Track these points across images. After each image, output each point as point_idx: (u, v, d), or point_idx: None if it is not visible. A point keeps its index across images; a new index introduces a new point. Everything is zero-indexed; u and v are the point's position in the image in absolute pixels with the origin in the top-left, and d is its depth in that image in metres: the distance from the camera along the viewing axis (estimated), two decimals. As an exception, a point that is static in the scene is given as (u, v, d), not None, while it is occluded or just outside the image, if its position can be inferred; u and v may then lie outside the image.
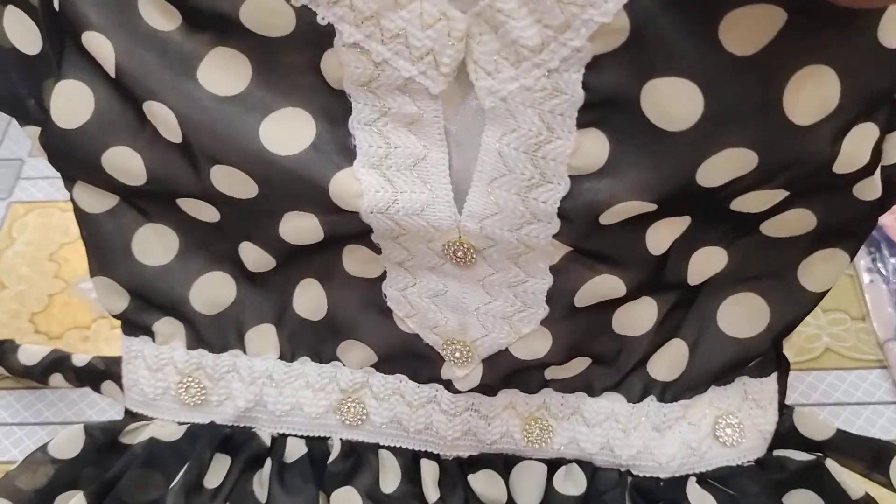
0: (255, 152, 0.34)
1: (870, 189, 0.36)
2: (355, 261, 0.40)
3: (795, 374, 0.51)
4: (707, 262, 0.39)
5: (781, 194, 0.35)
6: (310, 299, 0.42)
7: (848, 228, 0.38)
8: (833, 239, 0.38)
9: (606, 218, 0.34)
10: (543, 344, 0.40)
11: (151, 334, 0.44)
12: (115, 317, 0.44)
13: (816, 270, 0.39)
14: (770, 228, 0.38)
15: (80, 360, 0.49)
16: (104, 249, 0.42)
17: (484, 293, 0.39)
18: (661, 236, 0.36)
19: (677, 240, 0.37)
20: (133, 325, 0.44)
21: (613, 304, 0.39)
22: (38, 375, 0.50)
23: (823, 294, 0.40)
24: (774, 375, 0.44)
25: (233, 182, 0.36)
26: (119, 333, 0.46)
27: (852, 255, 0.39)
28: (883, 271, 0.54)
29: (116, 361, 0.46)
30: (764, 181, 0.33)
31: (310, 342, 0.44)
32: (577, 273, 0.37)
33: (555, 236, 0.34)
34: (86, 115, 0.37)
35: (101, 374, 0.47)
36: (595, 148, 0.32)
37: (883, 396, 0.50)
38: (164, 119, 0.35)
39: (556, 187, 0.33)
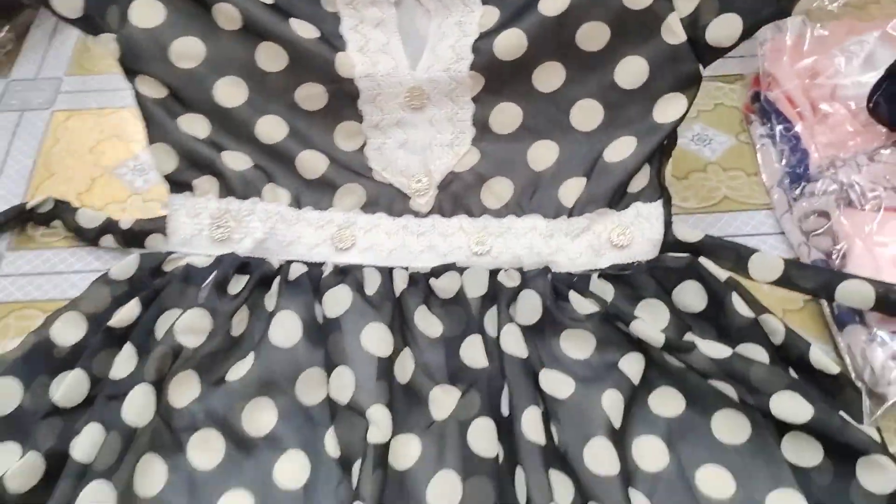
0: (289, 36, 0.56)
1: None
2: (344, 135, 0.60)
3: (699, 216, 0.64)
4: (589, 112, 0.58)
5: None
6: (310, 164, 0.59)
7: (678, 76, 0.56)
8: (669, 86, 0.57)
9: (500, 53, 0.56)
10: (475, 159, 0.59)
11: (192, 189, 0.59)
12: (166, 177, 0.59)
13: (667, 109, 0.57)
14: (623, 81, 0.57)
15: (126, 222, 0.61)
16: (159, 125, 0.58)
17: (433, 130, 0.59)
18: (544, 78, 0.57)
19: (559, 89, 0.58)
20: (178, 183, 0.60)
21: (524, 140, 0.59)
22: (91, 236, 0.63)
23: (674, 124, 0.57)
24: (660, 201, 0.58)
25: (269, 56, 0.57)
26: (149, 206, 0.66)
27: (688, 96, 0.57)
28: (771, 135, 0.66)
29: (156, 220, 0.60)
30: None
31: (311, 197, 0.60)
32: (489, 101, 0.58)
33: (471, 68, 0.56)
34: (160, 18, 0.56)
35: (145, 232, 0.60)
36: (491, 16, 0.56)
37: (767, 230, 0.63)
38: (227, 12, 0.56)
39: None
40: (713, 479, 0.49)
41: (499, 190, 0.59)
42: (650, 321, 0.53)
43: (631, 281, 0.55)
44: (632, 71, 0.57)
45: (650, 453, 0.50)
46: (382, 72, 0.57)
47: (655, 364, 0.53)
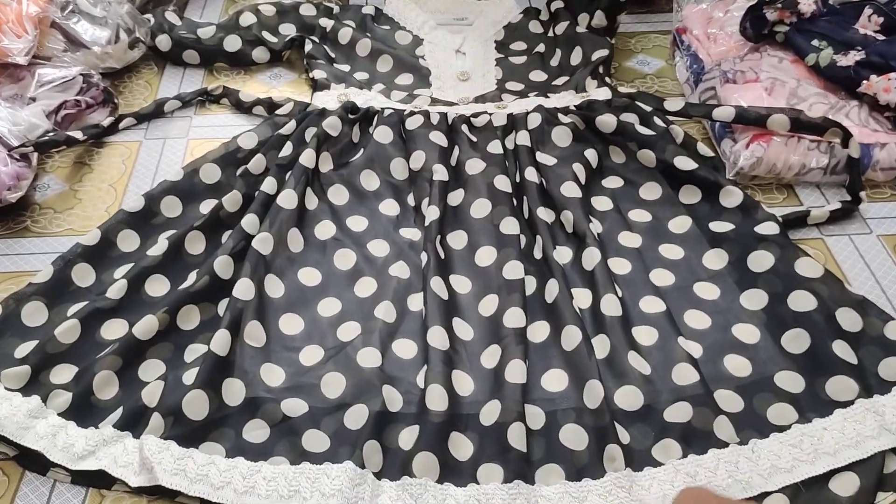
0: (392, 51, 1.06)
1: None
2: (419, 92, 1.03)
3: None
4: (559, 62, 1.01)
5: None
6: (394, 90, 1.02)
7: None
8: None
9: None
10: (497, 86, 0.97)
11: (329, 88, 1.00)
12: (314, 79, 1.02)
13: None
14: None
15: (277, 98, 0.97)
16: (318, 63, 1.03)
17: (472, 88, 0.97)
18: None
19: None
20: (322, 85, 1.02)
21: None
22: (247, 106, 0.99)
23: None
24: (606, 87, 0.97)
25: (383, 62, 1.06)
26: (282, 93, 1.00)
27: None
28: (682, 55, 1.03)
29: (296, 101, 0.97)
30: None
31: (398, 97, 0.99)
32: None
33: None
34: None
35: (284, 102, 0.96)
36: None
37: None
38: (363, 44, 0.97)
39: None
40: (638, 214, 0.84)
41: (511, 95, 0.99)
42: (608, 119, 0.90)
43: (594, 109, 0.92)
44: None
45: (601, 203, 0.85)
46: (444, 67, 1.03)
47: (606, 163, 0.88)
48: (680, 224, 0.82)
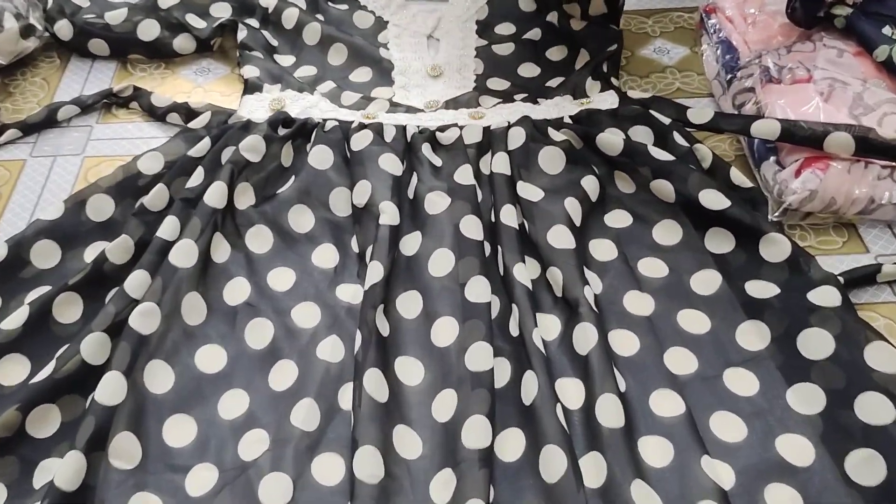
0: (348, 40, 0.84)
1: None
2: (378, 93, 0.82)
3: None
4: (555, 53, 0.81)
5: None
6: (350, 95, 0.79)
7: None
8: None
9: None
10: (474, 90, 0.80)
11: (261, 90, 0.78)
12: (246, 80, 0.79)
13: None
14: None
15: (194, 104, 0.77)
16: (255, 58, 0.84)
17: (446, 86, 0.81)
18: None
19: (540, 40, 0.84)
20: (254, 87, 0.78)
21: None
22: (161, 113, 0.78)
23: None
24: (612, 90, 0.75)
25: (335, 52, 0.84)
26: (210, 96, 0.81)
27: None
28: (711, 45, 0.81)
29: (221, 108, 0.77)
30: None
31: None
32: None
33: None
34: None
35: (203, 109, 0.76)
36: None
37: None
38: (313, 30, 0.78)
39: None
40: (650, 267, 0.63)
41: (492, 98, 0.77)
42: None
43: (594, 122, 0.71)
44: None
45: (602, 249, 0.64)
46: (411, 59, 0.83)
47: (610, 191, 0.68)
48: (706, 282, 0.62)
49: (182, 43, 0.85)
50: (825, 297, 0.58)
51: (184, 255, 0.61)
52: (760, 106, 0.71)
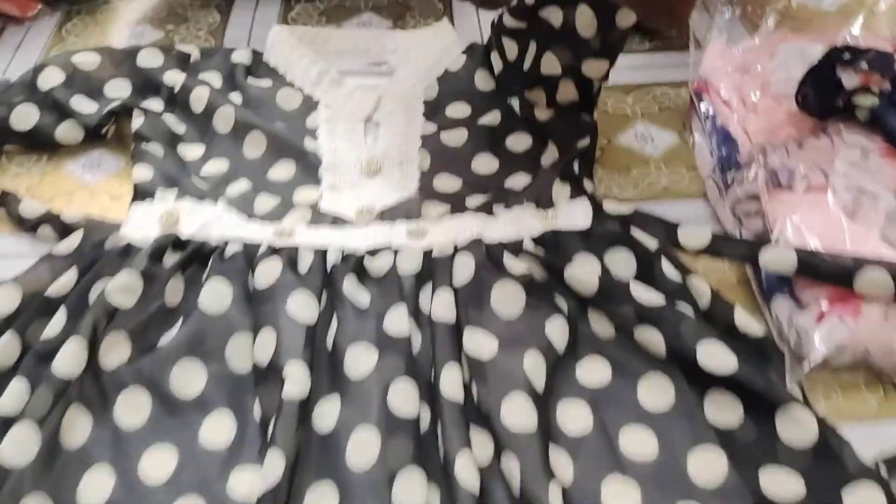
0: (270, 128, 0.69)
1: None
2: (303, 194, 0.65)
3: (638, 205, 0.64)
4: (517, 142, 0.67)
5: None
6: (264, 201, 0.64)
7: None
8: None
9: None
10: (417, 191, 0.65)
11: (153, 196, 0.63)
12: (136, 185, 0.64)
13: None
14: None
15: (70, 217, 0.62)
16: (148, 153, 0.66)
17: (383, 188, 0.67)
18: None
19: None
20: (145, 192, 0.63)
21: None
22: (30, 225, 0.63)
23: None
24: (585, 196, 0.61)
25: (252, 143, 0.69)
26: (97, 199, 0.67)
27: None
28: (705, 130, 0.67)
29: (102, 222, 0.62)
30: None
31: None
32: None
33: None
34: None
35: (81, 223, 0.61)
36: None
37: (704, 218, 0.64)
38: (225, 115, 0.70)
39: None
40: (636, 442, 0.49)
41: (440, 204, 0.62)
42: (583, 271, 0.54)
43: (562, 246, 0.56)
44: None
45: (574, 418, 0.50)
46: (343, 151, 0.68)
47: (583, 334, 0.53)
48: (708, 466, 0.47)
49: (66, 132, 0.70)
50: (865, 496, 0.44)
51: (19, 445, 0.46)
52: (767, 221, 0.57)
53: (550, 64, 0.64)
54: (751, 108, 0.65)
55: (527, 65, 0.66)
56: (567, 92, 0.65)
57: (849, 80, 0.59)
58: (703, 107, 0.68)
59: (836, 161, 0.58)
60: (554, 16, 0.61)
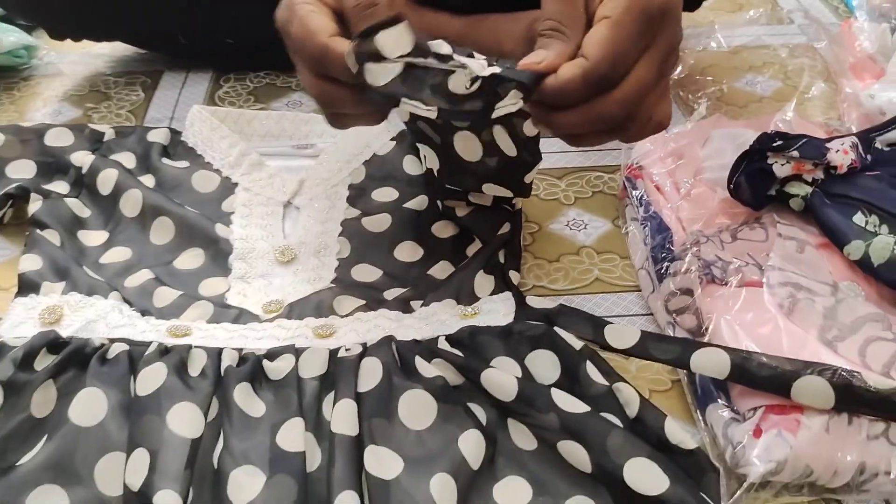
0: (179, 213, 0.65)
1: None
2: (209, 286, 0.61)
3: (569, 297, 0.61)
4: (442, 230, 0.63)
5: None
6: (164, 294, 0.59)
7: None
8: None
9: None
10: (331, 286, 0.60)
11: (39, 290, 0.58)
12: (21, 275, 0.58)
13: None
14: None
15: None
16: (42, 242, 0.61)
17: (297, 278, 0.62)
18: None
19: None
20: (30, 285, 0.58)
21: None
22: None
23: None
24: (508, 291, 0.57)
25: (160, 228, 0.64)
26: None
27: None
28: (637, 218, 0.64)
29: None
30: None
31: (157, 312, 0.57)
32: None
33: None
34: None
35: None
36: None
37: (637, 311, 0.60)
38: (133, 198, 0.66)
39: None
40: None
41: (354, 299, 0.58)
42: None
43: (480, 346, 0.51)
44: None
45: (491, 546, 0.44)
46: (258, 237, 0.64)
47: (502, 447, 0.48)
48: None
49: (-43, 218, 0.65)
50: None
51: None
52: (701, 319, 0.53)
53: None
54: (684, 195, 0.62)
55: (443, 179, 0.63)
56: (495, 190, 0.61)
57: (780, 169, 0.56)
58: (636, 193, 0.65)
59: (772, 254, 0.55)
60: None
